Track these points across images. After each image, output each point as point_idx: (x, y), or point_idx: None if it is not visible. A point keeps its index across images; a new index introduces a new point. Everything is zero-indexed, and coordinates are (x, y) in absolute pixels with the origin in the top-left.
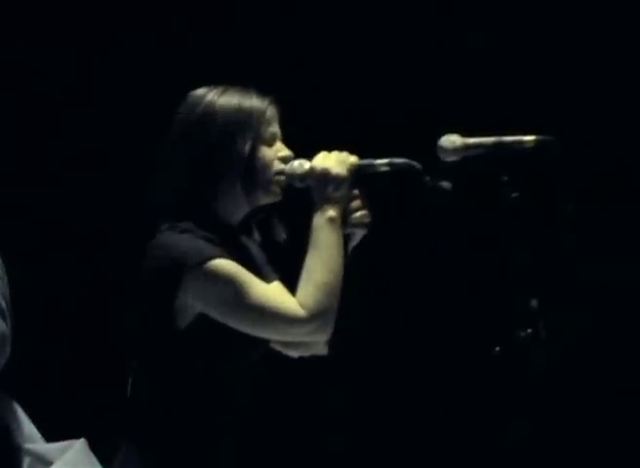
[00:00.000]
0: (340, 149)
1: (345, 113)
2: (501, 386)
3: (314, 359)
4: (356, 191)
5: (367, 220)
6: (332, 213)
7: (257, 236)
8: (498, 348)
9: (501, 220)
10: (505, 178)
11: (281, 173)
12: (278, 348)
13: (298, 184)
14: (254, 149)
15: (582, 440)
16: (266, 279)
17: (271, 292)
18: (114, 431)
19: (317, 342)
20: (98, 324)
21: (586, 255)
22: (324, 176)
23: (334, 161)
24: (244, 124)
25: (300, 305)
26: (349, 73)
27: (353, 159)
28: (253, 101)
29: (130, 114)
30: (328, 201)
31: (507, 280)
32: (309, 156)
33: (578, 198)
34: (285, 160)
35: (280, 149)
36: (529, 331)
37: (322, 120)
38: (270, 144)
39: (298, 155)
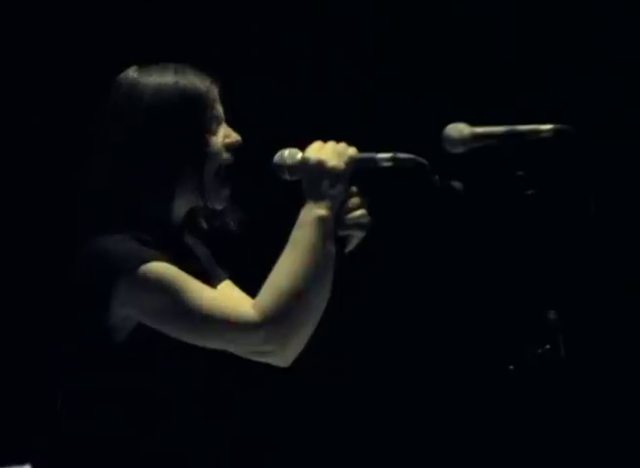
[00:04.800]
0: (338, 139)
1: (343, 100)
2: (516, 410)
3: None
4: (354, 188)
5: (365, 221)
6: (323, 211)
7: (203, 224)
8: (511, 367)
9: (515, 221)
10: (520, 173)
11: (224, 167)
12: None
13: (287, 176)
14: (198, 142)
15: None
16: (214, 282)
17: (216, 297)
18: (41, 454)
19: (278, 352)
20: (24, 336)
21: (610, 256)
22: (318, 170)
23: (330, 152)
24: (185, 114)
25: (255, 307)
26: (346, 57)
27: (352, 151)
28: (192, 85)
29: (56, 109)
30: (321, 197)
31: (522, 289)
32: (302, 146)
33: (600, 193)
34: (230, 147)
35: (227, 134)
36: (547, 347)
37: (318, 107)
38: (215, 131)
39: (289, 145)
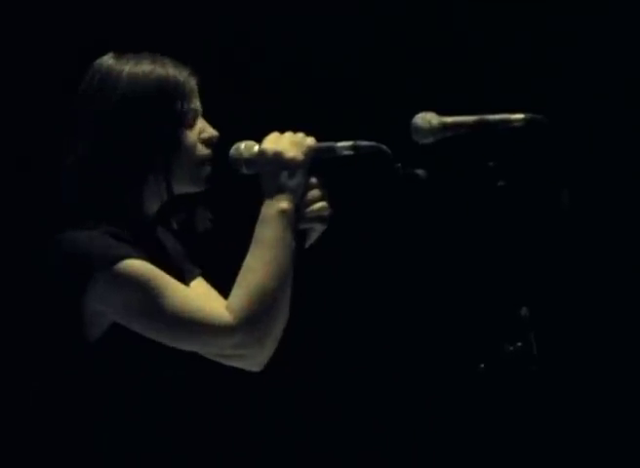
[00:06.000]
0: (295, 130)
1: (301, 88)
2: (487, 409)
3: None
4: (314, 179)
5: (326, 214)
6: (284, 204)
7: (174, 225)
8: (482, 365)
9: (486, 214)
10: (490, 164)
11: (207, 160)
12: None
13: (244, 170)
14: (173, 135)
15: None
16: (187, 279)
17: (192, 297)
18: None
19: (253, 355)
20: None
21: (583, 251)
22: (276, 161)
23: (288, 143)
24: (162, 105)
25: (229, 310)
26: (305, 44)
27: (310, 141)
28: (170, 76)
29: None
30: (280, 190)
31: (493, 285)
32: (258, 138)
33: (573, 185)
34: (208, 142)
35: (203, 129)
36: (518, 344)
37: (274, 96)
38: (191, 125)
39: (245, 137)
